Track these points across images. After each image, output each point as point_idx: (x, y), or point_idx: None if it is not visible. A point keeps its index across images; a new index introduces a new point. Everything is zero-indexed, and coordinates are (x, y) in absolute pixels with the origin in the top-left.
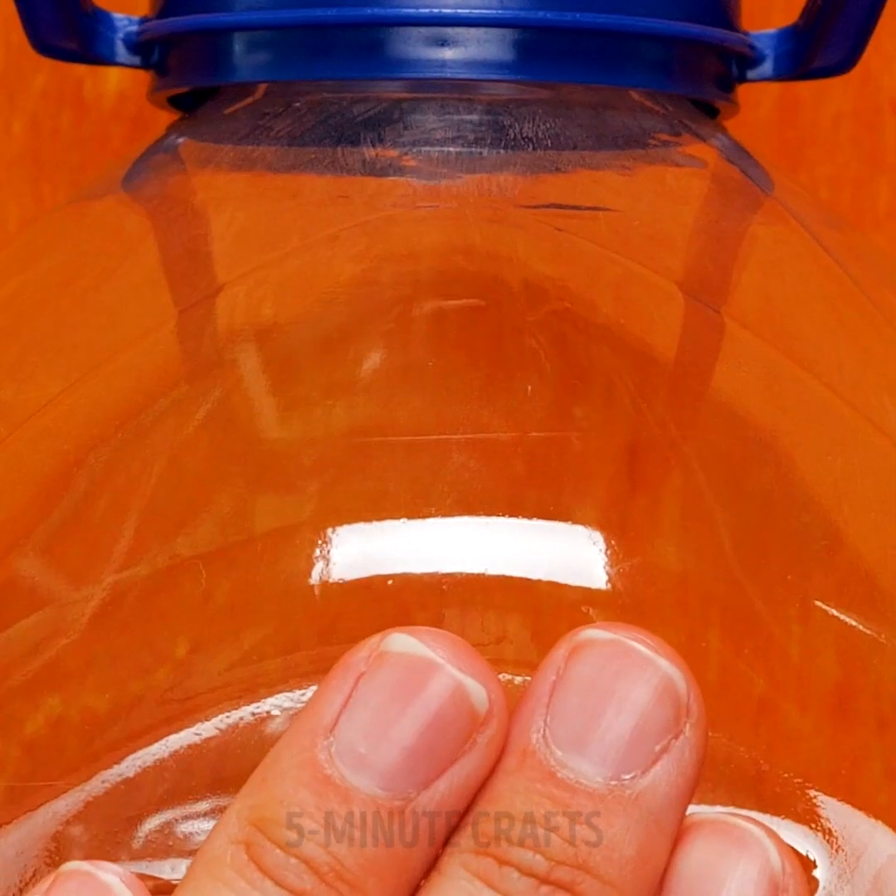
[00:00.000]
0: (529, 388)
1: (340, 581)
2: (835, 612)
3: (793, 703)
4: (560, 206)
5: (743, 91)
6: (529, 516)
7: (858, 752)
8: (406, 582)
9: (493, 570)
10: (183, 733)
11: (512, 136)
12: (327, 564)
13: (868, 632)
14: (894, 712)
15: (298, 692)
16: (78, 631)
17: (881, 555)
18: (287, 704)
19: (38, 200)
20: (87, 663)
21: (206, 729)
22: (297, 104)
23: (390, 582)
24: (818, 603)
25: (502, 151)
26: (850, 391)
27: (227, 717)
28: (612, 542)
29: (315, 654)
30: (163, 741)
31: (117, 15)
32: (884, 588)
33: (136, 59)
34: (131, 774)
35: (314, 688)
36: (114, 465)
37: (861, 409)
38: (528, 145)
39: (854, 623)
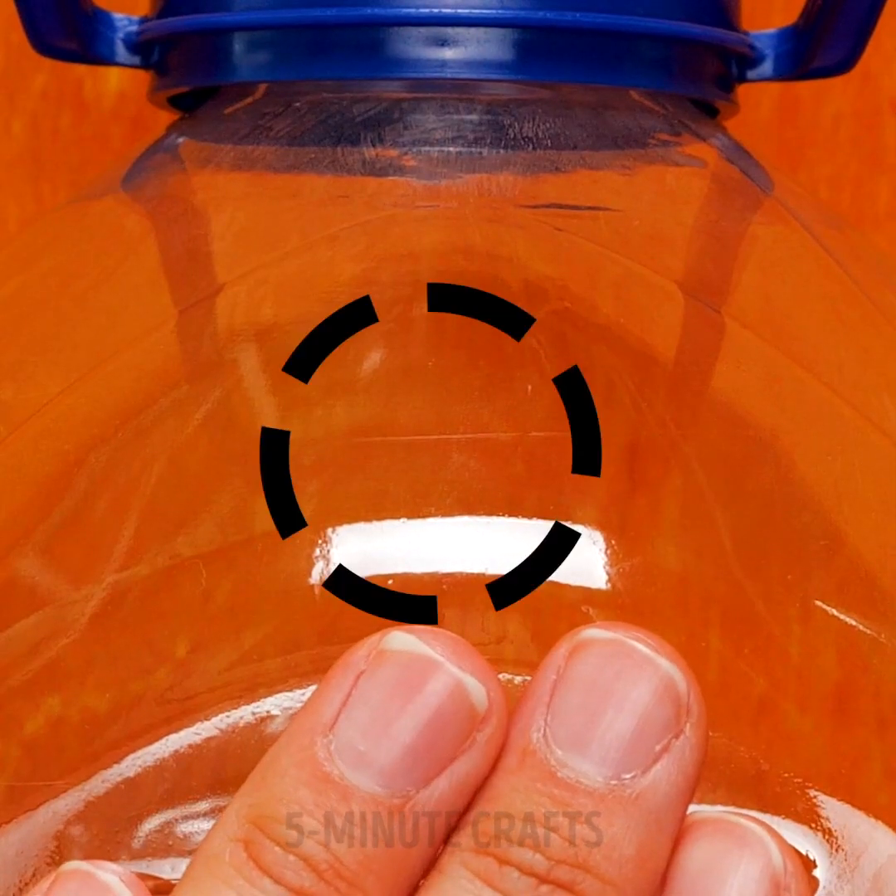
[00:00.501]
0: (529, 387)
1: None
2: (835, 612)
3: (793, 703)
4: (560, 206)
5: (743, 91)
6: (529, 516)
7: (858, 752)
8: (406, 581)
9: (493, 569)
10: (183, 733)
11: (512, 136)
12: (327, 564)
13: (868, 631)
14: (894, 712)
15: (298, 692)
16: (78, 631)
17: (881, 554)
18: (287, 704)
19: (38, 200)
20: (87, 663)
21: (206, 729)
22: (297, 104)
23: (390, 581)
24: (818, 603)
25: (502, 151)
26: (849, 391)
27: (227, 716)
28: (612, 542)
29: (315, 653)
30: (163, 741)
31: (117, 15)
32: (884, 587)
33: (136, 59)
34: (131, 774)
35: (314, 687)
36: (114, 465)
37: (861, 409)
38: (528, 145)
39: (854, 623)
